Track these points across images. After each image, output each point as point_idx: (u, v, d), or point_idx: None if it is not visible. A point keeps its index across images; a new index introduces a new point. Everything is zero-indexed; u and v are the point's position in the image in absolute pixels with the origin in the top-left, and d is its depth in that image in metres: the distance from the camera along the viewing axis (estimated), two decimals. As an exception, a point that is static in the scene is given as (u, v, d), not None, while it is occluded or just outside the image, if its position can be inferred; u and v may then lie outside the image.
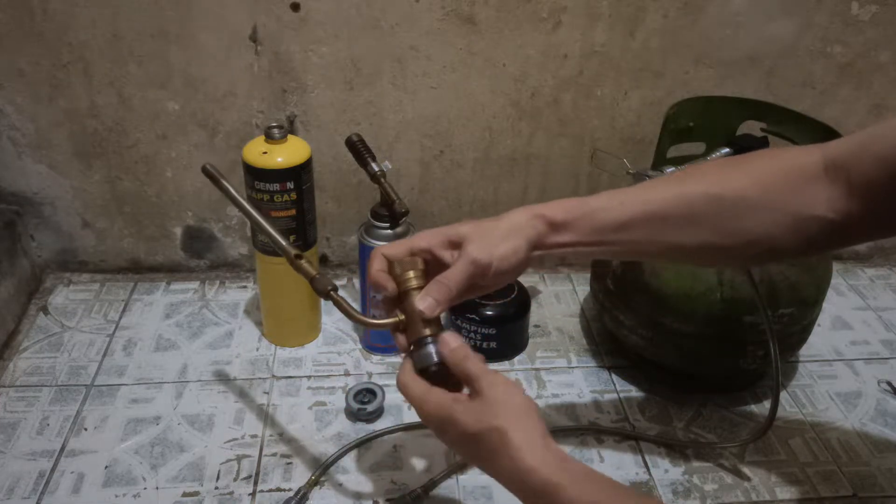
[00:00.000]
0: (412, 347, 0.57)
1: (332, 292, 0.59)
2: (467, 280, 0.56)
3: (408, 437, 0.79)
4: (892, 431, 0.82)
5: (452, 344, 0.55)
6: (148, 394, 0.83)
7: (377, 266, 0.58)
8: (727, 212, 0.55)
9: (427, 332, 0.56)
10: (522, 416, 0.51)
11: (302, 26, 0.87)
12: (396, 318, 0.57)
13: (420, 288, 0.56)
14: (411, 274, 0.57)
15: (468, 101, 0.94)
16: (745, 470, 0.77)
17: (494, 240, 0.56)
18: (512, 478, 0.50)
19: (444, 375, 0.55)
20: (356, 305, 0.98)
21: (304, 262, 0.60)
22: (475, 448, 0.51)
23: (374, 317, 0.89)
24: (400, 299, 0.57)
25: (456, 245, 0.57)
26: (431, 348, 0.55)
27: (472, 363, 0.53)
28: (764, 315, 0.71)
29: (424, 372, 0.55)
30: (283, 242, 0.60)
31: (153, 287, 1.01)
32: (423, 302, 0.55)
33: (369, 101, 0.93)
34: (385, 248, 0.58)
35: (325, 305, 0.96)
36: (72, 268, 1.03)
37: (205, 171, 0.63)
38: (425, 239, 0.58)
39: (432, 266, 0.58)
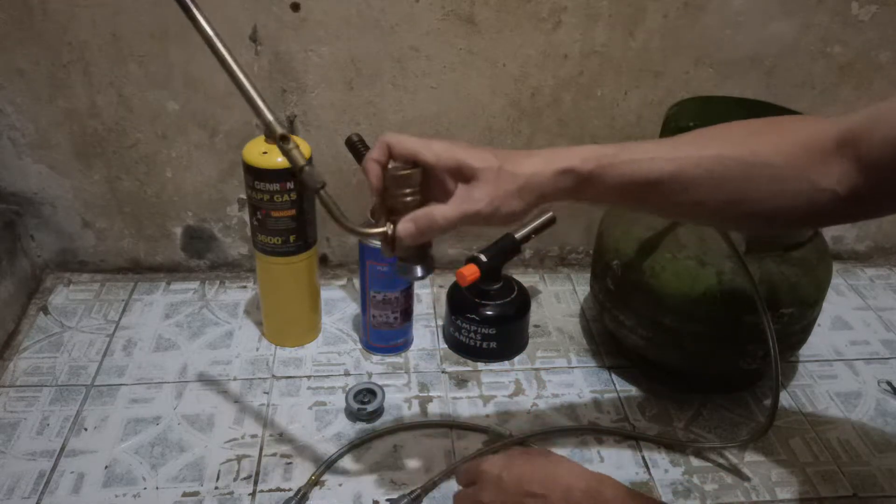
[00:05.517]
0: (398, 259, 0.59)
1: (320, 190, 0.55)
2: (461, 223, 0.54)
3: (408, 437, 0.79)
4: (892, 431, 0.83)
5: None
6: (148, 394, 0.83)
7: (376, 155, 0.55)
8: (752, 176, 0.54)
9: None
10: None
11: (302, 26, 0.87)
12: (384, 229, 0.56)
13: (411, 205, 0.55)
14: (406, 190, 0.55)
15: (468, 100, 0.94)
16: (745, 470, 0.77)
17: (507, 192, 0.53)
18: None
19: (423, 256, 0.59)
20: (356, 305, 0.98)
21: (292, 147, 0.53)
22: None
23: (374, 317, 0.89)
24: (388, 207, 0.56)
25: (465, 178, 0.54)
26: (418, 271, 0.58)
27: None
28: (764, 315, 0.71)
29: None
30: (264, 109, 0.54)
31: (153, 287, 1.01)
32: (405, 229, 0.54)
33: (369, 101, 0.93)
34: (392, 139, 0.55)
35: (326, 306, 0.96)
36: (72, 268, 1.03)
37: None
38: (435, 154, 0.54)
39: (432, 180, 0.55)
